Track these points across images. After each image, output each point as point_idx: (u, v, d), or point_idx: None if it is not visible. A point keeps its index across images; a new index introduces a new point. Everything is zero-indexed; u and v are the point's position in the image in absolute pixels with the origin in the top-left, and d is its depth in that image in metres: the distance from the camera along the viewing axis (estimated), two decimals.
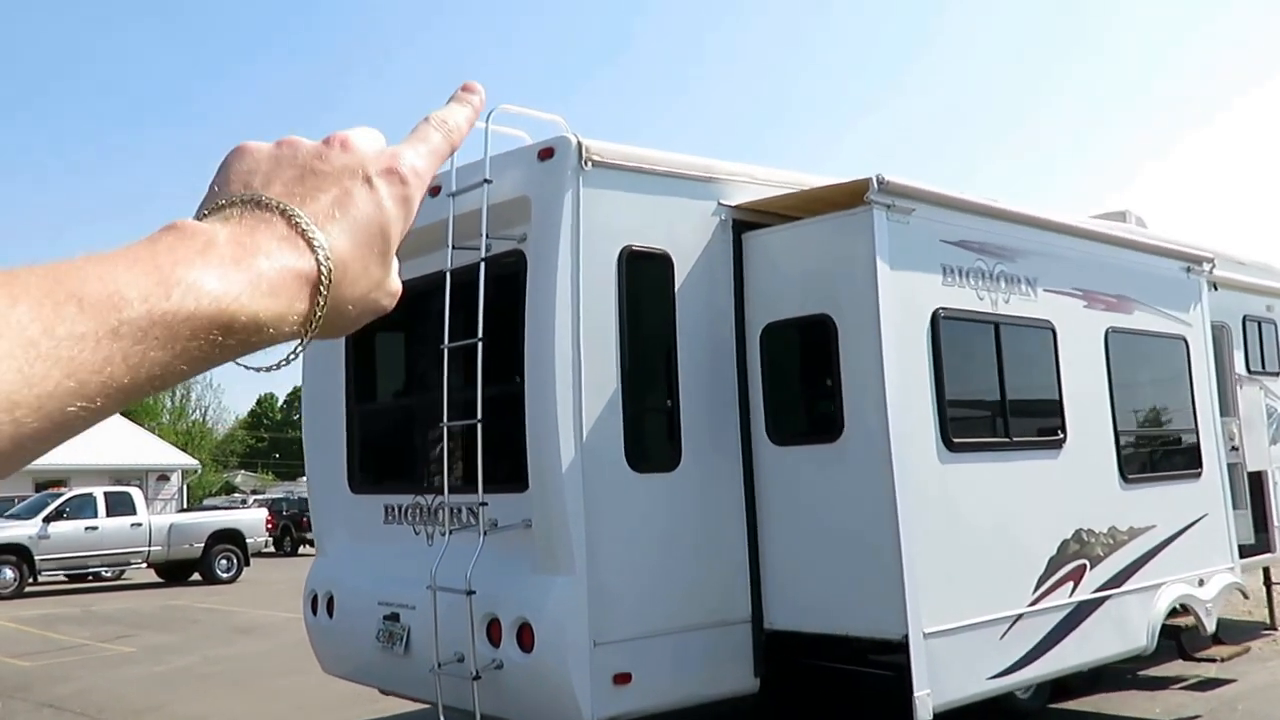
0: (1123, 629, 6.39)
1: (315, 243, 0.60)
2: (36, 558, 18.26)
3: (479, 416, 5.07)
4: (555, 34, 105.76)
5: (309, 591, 6.27)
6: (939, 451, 5.43)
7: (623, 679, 4.89)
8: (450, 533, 5.26)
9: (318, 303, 0.60)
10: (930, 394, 5.46)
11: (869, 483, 5.15)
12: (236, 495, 44.54)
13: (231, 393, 71.83)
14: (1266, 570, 9.85)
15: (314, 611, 6.20)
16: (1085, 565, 6.13)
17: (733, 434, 5.63)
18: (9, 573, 17.82)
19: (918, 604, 4.97)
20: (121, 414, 47.02)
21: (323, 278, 0.60)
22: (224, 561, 20.60)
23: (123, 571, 20.47)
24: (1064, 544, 6.02)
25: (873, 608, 5.11)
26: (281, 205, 0.60)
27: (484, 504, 5.07)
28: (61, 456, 35.01)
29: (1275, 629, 9.98)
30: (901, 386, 5.22)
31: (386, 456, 6.58)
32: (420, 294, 5.53)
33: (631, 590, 5.04)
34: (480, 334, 5.09)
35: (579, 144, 5.10)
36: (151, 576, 20.93)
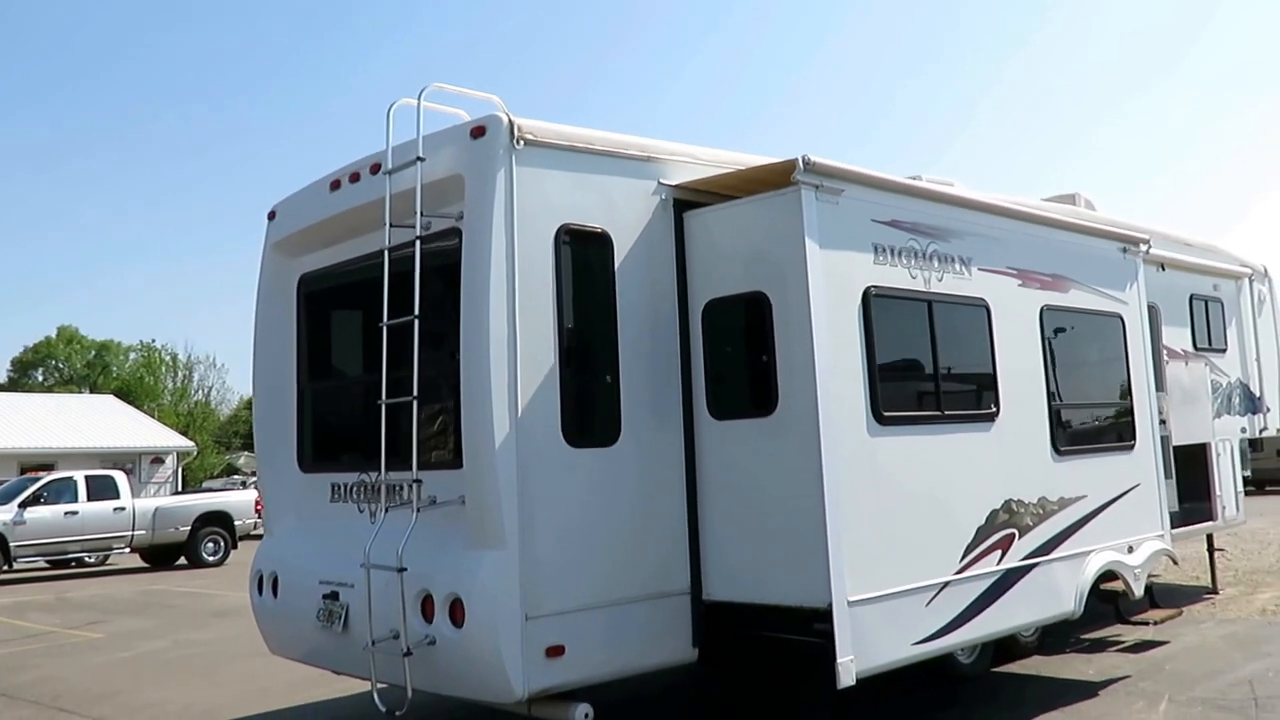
0: (1051, 594, 6.55)
1: None
2: (11, 544, 18.18)
3: (415, 394, 5.16)
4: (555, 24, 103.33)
5: (255, 572, 6.34)
6: (869, 424, 5.55)
7: (555, 651, 4.98)
8: (387, 510, 5.36)
9: None
10: (861, 369, 5.57)
11: (800, 455, 5.26)
12: (237, 477, 44.28)
13: (236, 371, 69.59)
14: (1209, 537, 10.10)
15: (259, 592, 6.29)
16: (1014, 534, 6.28)
17: (675, 409, 5.72)
18: None
19: (842, 573, 5.10)
20: (116, 396, 46.41)
21: None
22: (210, 545, 20.55)
23: (106, 557, 20.39)
24: (993, 514, 6.16)
25: (801, 577, 5.23)
26: None
27: (418, 481, 5.15)
28: (49, 439, 34.87)
29: (1216, 593, 10.25)
30: (831, 361, 5.33)
31: (335, 435, 6.61)
32: (367, 273, 5.55)
33: (566, 564, 5.11)
34: (416, 311, 5.17)
35: (510, 122, 5.17)
36: (136, 562, 20.87)
